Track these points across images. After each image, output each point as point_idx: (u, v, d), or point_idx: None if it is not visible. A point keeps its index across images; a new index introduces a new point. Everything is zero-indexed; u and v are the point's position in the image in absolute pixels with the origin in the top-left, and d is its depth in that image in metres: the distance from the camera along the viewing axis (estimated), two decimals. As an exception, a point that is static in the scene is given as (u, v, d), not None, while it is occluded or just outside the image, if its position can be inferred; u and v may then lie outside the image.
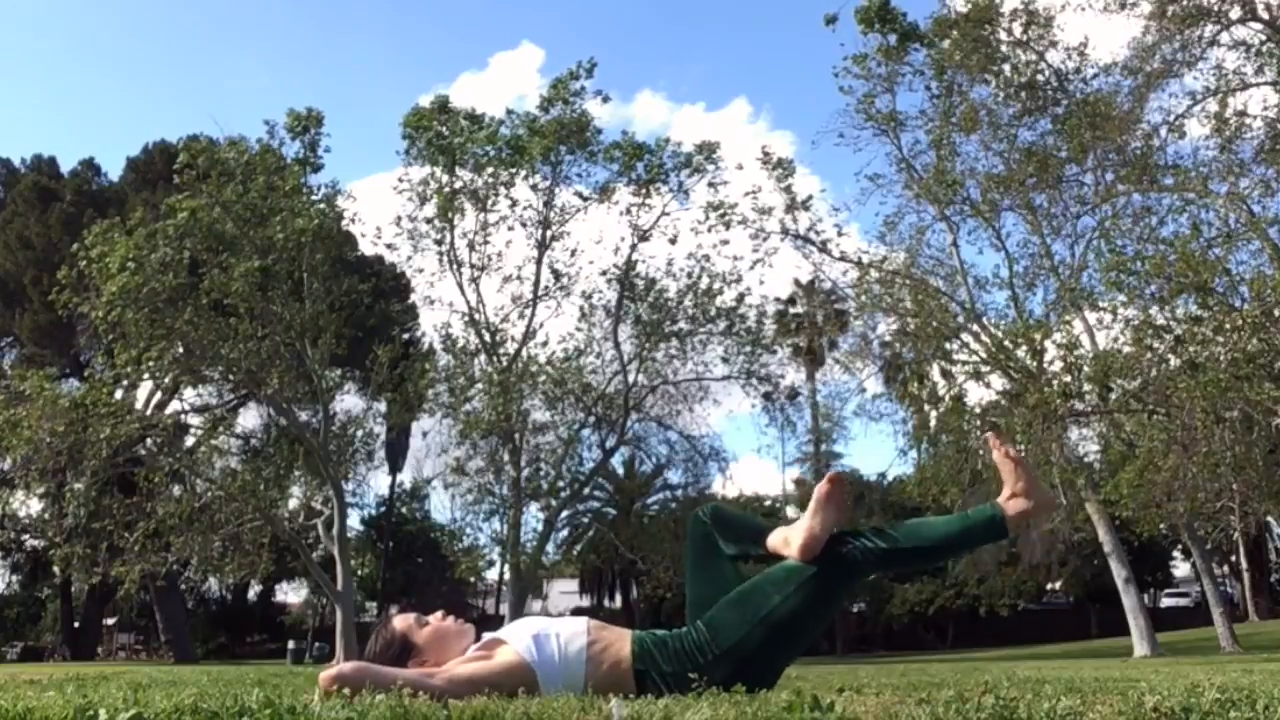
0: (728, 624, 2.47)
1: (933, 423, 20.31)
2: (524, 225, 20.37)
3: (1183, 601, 42.53)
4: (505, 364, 19.79)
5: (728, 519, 2.72)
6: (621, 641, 2.49)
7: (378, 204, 47.28)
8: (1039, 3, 18.96)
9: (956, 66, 19.24)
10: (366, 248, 22.60)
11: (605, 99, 20.16)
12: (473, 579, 36.60)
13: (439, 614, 2.70)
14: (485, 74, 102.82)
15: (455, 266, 20.18)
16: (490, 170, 19.95)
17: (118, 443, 17.30)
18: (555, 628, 2.50)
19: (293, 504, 22.95)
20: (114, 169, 31.84)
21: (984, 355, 18.66)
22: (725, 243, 19.82)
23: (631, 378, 20.14)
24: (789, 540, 2.54)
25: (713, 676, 2.32)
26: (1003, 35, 19.26)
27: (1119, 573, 18.91)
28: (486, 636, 2.55)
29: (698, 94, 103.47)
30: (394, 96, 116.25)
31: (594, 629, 2.51)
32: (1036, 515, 2.63)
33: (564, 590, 50.65)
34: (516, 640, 2.45)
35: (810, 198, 19.80)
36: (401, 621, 2.67)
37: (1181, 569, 42.56)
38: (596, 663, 2.42)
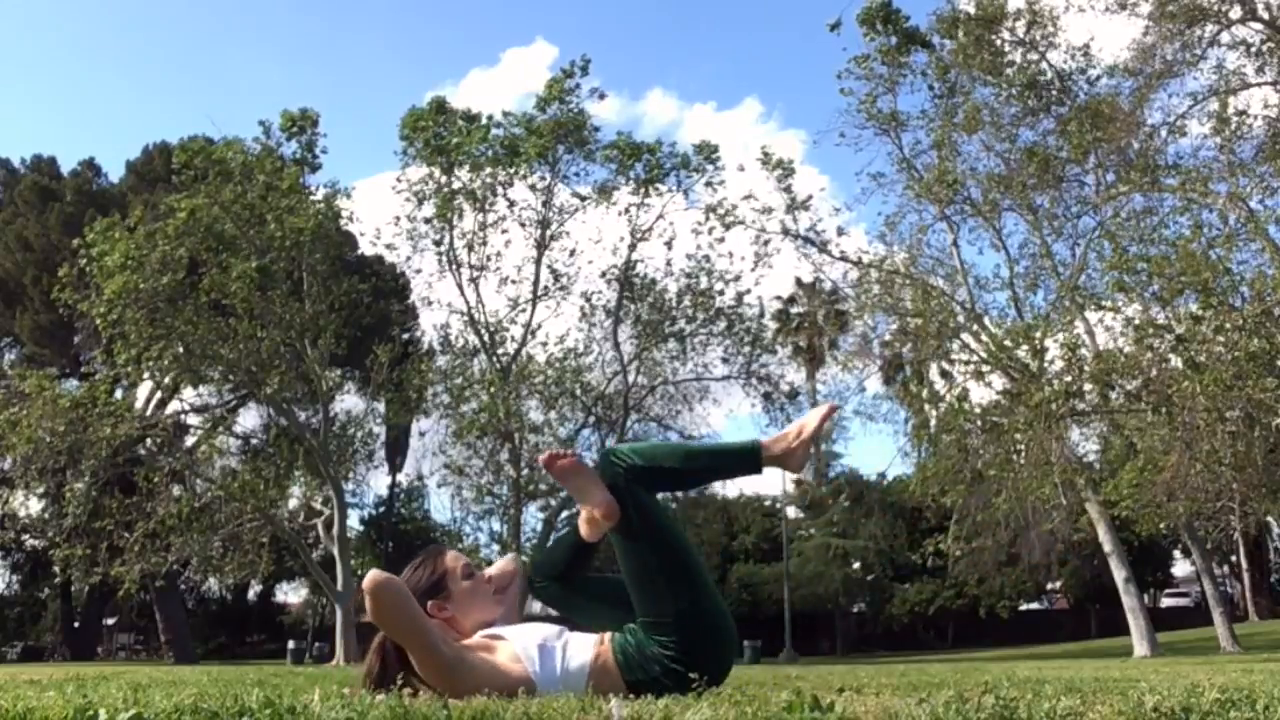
0: (658, 612, 2.46)
1: (933, 423, 20.27)
2: (522, 225, 20.40)
3: (1183, 601, 42.51)
4: (504, 364, 19.80)
5: (548, 562, 2.81)
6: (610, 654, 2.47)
7: (386, 202, 46.88)
8: (1042, 2, 18.97)
9: (961, 67, 19.21)
10: (366, 248, 22.66)
11: (601, 96, 20.23)
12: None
13: (487, 575, 2.69)
14: (497, 70, 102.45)
15: (454, 267, 20.21)
16: (488, 171, 19.97)
17: (118, 443, 17.34)
18: (563, 639, 2.46)
19: (293, 504, 22.97)
20: (114, 169, 31.86)
21: (984, 355, 18.63)
22: (721, 240, 19.86)
23: (631, 378, 20.15)
24: (594, 521, 2.59)
25: (694, 661, 2.35)
26: (1005, 35, 19.24)
27: (1119, 573, 18.89)
28: (494, 630, 2.52)
29: (709, 93, 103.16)
30: (403, 93, 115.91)
31: (599, 644, 2.48)
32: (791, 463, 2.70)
33: (564, 590, 50.55)
34: (520, 646, 2.41)
35: (810, 198, 19.81)
36: (453, 560, 2.65)
37: (1181, 569, 42.52)
38: (597, 679, 2.39)
